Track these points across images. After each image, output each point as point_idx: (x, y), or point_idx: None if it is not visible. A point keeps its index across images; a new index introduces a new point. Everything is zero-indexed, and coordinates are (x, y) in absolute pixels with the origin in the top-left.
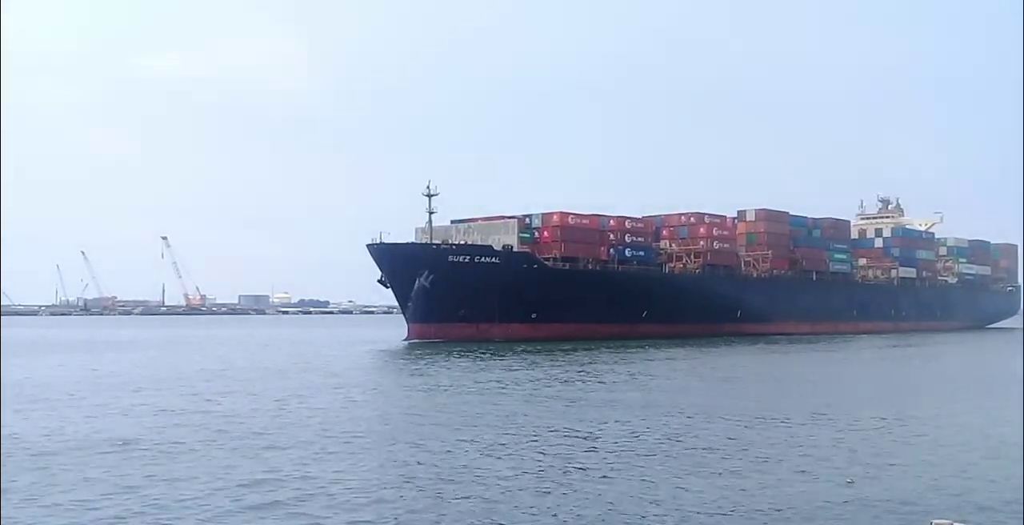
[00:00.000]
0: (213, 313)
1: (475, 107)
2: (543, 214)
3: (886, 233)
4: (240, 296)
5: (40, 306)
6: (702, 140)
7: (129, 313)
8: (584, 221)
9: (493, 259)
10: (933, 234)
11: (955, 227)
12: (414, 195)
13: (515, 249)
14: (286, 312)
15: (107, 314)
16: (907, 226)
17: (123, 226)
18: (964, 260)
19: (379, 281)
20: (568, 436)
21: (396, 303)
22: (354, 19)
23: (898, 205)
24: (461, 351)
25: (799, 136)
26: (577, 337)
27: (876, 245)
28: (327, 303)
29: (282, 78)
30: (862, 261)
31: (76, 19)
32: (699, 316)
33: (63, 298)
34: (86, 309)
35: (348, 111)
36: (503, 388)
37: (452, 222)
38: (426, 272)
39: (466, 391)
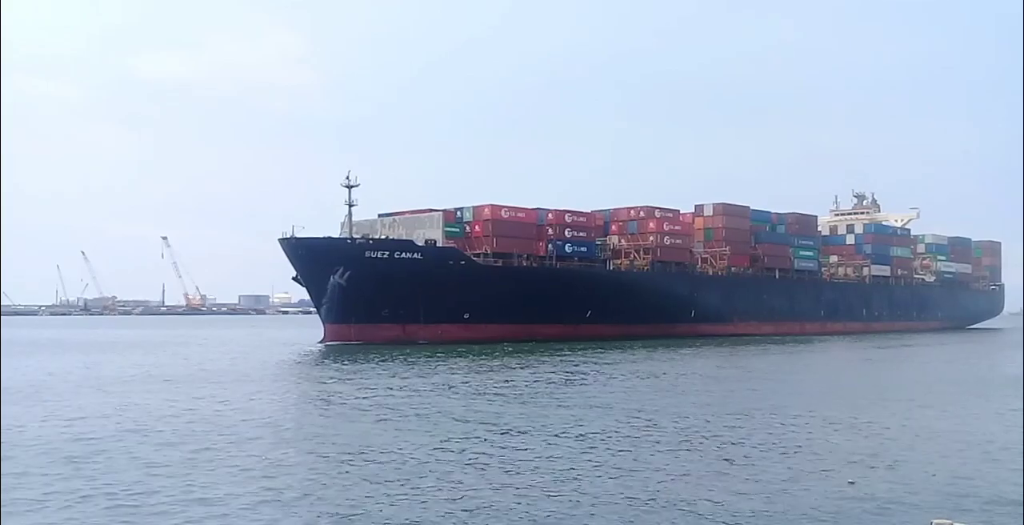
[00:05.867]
0: (213, 313)
1: (475, 107)
2: (474, 207)
3: (858, 229)
4: (240, 296)
5: (40, 306)
6: (683, 141)
7: (129, 313)
8: (519, 214)
9: (415, 255)
10: (909, 231)
11: (935, 225)
12: (407, 193)
13: (440, 244)
14: (286, 312)
15: (107, 314)
16: (882, 222)
17: (123, 226)
18: (943, 258)
19: (294, 279)
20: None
21: None
22: (355, 17)
23: (874, 200)
24: (353, 357)
25: (782, 136)
26: (515, 338)
27: (848, 242)
28: None
29: (283, 77)
30: (833, 258)
31: (75, 19)
32: (649, 316)
33: (63, 298)
34: (86, 309)
35: (350, 110)
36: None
37: (379, 215)
38: (341, 269)
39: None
